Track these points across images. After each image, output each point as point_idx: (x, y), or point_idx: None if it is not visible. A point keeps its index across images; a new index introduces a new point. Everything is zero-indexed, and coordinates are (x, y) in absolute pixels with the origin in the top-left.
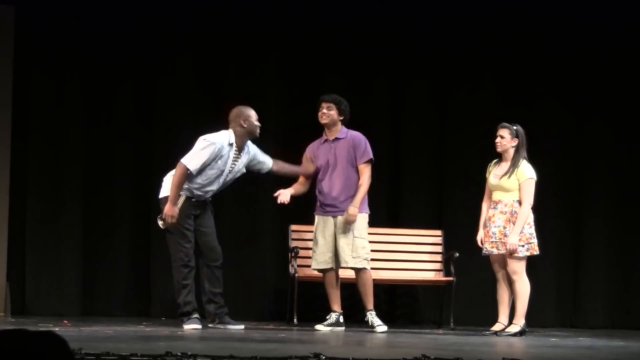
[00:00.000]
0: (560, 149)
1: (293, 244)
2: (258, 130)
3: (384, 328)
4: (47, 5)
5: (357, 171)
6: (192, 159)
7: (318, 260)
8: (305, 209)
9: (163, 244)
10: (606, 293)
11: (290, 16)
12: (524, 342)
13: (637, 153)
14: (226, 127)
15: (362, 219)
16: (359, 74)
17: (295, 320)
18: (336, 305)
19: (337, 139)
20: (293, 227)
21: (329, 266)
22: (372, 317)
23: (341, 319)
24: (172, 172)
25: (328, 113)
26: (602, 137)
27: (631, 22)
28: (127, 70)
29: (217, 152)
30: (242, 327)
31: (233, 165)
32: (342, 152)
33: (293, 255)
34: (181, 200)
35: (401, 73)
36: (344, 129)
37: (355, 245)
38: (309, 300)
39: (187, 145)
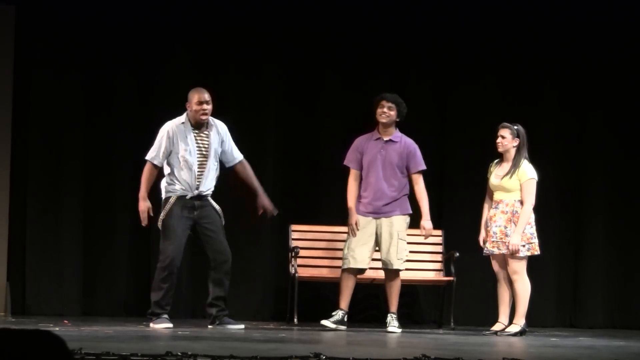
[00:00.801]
0: (560, 148)
1: (293, 243)
2: (201, 117)
3: (398, 331)
4: (47, 4)
5: (405, 177)
6: (151, 151)
7: (357, 259)
8: (305, 208)
9: None
10: (606, 292)
11: (290, 14)
12: (524, 342)
13: (636, 152)
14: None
15: (404, 220)
16: (359, 73)
17: (295, 320)
18: (345, 304)
19: (390, 140)
20: (293, 226)
21: (366, 266)
22: (393, 319)
23: (345, 318)
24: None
25: (389, 113)
26: (602, 136)
27: (632, 21)
28: (127, 68)
29: (171, 135)
30: (242, 326)
31: (201, 144)
32: (393, 156)
33: (293, 255)
34: (172, 200)
35: (401, 72)
36: (398, 132)
37: (400, 248)
38: (309, 300)
39: None
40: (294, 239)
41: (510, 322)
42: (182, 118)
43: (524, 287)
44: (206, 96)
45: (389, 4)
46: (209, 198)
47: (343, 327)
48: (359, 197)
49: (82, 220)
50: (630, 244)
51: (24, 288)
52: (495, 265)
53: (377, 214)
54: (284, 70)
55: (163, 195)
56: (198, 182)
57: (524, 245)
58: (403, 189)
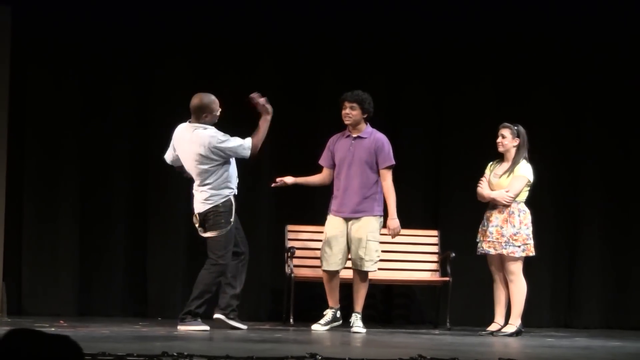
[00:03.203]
0: (556, 150)
1: (289, 244)
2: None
3: (362, 330)
4: (43, 5)
5: (375, 173)
6: (242, 147)
7: (329, 261)
8: (301, 208)
9: (160, 244)
10: (601, 293)
11: (287, 15)
12: (520, 342)
13: (632, 153)
14: (225, 127)
15: (376, 221)
16: (356, 73)
17: (291, 320)
18: (333, 302)
19: (359, 137)
20: (289, 227)
21: (340, 268)
22: (357, 319)
23: (338, 314)
24: (199, 186)
25: (351, 113)
26: (599, 138)
27: (626, 21)
28: (124, 69)
29: None
30: (245, 327)
31: None
32: (362, 152)
33: (289, 255)
34: (233, 201)
35: (398, 72)
36: (369, 128)
37: (369, 249)
38: (305, 300)
39: None
40: (290, 239)
41: (506, 322)
42: (205, 126)
43: (520, 287)
44: None
45: (385, 4)
46: None
47: (337, 323)
48: (332, 197)
49: (79, 220)
50: (625, 245)
51: (20, 288)
52: (492, 266)
53: (347, 213)
54: (281, 69)
55: (220, 201)
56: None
57: (519, 246)
58: (373, 187)
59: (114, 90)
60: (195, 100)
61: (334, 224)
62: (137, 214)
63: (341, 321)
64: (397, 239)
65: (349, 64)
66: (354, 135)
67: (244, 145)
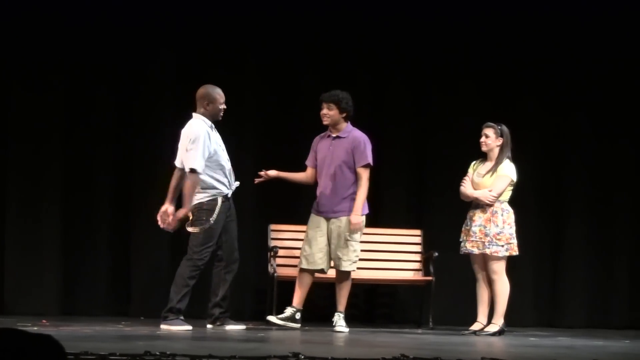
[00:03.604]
0: (539, 148)
1: (272, 243)
2: (221, 115)
3: (344, 330)
4: (27, 13)
5: (354, 173)
6: (196, 161)
7: (309, 260)
8: (284, 208)
9: (143, 244)
10: (585, 292)
11: (271, 15)
12: (503, 341)
13: (615, 152)
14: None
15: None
16: (339, 73)
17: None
18: (297, 301)
19: (338, 137)
20: (272, 226)
21: (319, 267)
22: (338, 318)
23: (297, 316)
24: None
25: (329, 114)
26: (582, 137)
27: (610, 23)
28: (109, 71)
29: (208, 137)
30: (244, 327)
31: (222, 140)
32: (340, 152)
33: (272, 254)
34: (219, 201)
35: (381, 72)
36: (349, 127)
37: (348, 249)
38: (288, 300)
39: (167, 145)
40: (273, 239)
41: (489, 322)
42: (203, 118)
43: (503, 287)
44: None
45: (368, 4)
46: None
47: (294, 325)
48: (315, 197)
49: (62, 220)
50: (609, 244)
51: (2, 287)
52: (475, 265)
53: (327, 213)
54: (265, 71)
55: (205, 199)
56: (233, 178)
57: (502, 246)
58: (352, 186)
59: (97, 91)
60: (201, 89)
61: (315, 223)
62: (121, 213)
63: (299, 325)
64: (381, 238)
65: (333, 65)
66: (334, 135)
67: (194, 165)
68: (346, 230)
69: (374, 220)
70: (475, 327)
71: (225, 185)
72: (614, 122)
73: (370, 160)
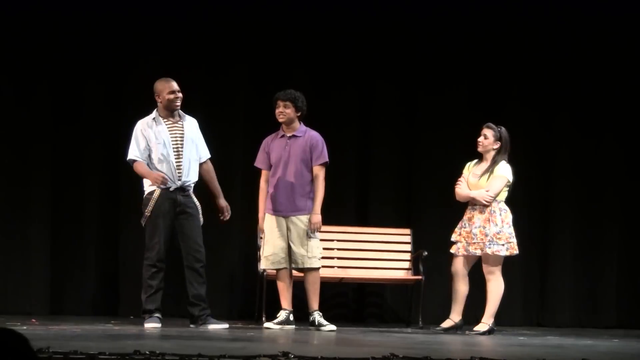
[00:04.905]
0: (527, 148)
1: (261, 242)
2: (175, 105)
3: (333, 327)
4: (12, 10)
5: (311, 171)
6: (131, 151)
7: (270, 260)
8: None
9: (132, 243)
10: (573, 292)
11: (260, 16)
12: (493, 340)
13: (603, 152)
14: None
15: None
16: (327, 73)
17: (263, 318)
18: (286, 303)
19: (294, 136)
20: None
21: (282, 266)
22: (319, 317)
23: (291, 317)
24: None
25: (285, 111)
26: (570, 136)
27: (597, 22)
28: (95, 70)
29: (144, 131)
30: (226, 326)
31: (177, 134)
32: (297, 151)
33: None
34: (156, 194)
35: (370, 72)
36: (303, 127)
37: (311, 246)
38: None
39: None
40: (261, 238)
41: (479, 320)
42: (152, 114)
43: (497, 287)
44: (175, 84)
45: (357, 4)
46: (191, 192)
47: (290, 327)
48: (269, 195)
49: (50, 219)
50: (598, 243)
51: None
52: (459, 264)
53: (285, 212)
54: (253, 69)
55: (146, 191)
56: (179, 173)
57: (502, 245)
58: (310, 184)
59: (84, 90)
60: None
61: (272, 223)
62: (109, 213)
63: (294, 326)
64: (370, 237)
65: (320, 66)
66: (289, 135)
67: (130, 156)
68: (307, 228)
69: (363, 219)
70: (446, 324)
71: (168, 179)
72: (601, 122)
73: (327, 159)
